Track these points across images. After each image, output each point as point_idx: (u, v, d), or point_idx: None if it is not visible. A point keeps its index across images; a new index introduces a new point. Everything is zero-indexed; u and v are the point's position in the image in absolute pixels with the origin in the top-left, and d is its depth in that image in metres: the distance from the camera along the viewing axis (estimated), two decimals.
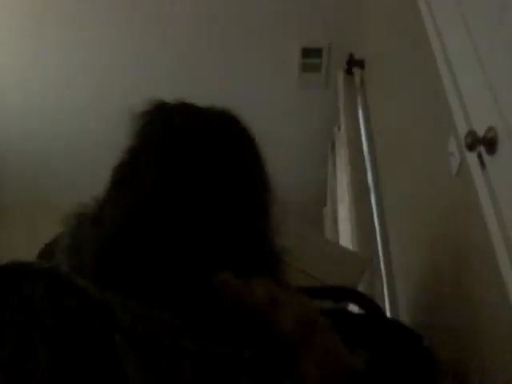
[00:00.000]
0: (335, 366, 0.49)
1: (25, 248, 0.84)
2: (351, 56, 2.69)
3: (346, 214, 2.38)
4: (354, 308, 1.23)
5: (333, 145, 3.19)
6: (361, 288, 1.41)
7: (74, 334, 0.37)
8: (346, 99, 2.61)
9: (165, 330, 0.44)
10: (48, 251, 0.69)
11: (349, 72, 2.72)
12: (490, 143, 0.95)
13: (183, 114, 0.72)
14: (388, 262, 1.85)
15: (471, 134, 0.99)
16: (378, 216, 2.04)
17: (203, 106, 0.75)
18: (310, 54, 2.94)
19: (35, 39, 2.92)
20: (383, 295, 1.78)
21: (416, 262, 1.50)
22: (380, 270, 1.87)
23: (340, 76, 2.74)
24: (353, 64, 2.68)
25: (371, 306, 1.18)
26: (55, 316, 0.37)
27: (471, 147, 0.99)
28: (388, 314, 1.65)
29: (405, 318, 1.55)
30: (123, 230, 0.56)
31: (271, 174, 0.76)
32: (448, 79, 1.21)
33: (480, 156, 1.00)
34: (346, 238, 2.37)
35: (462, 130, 1.08)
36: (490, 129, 0.95)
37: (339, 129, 2.85)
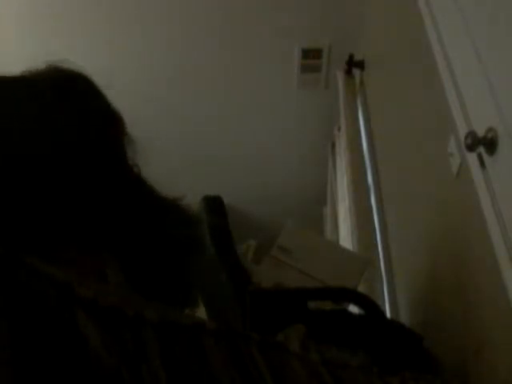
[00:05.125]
0: None
1: None
2: (351, 56, 2.69)
3: (346, 214, 2.38)
4: (354, 308, 1.23)
5: (333, 145, 3.19)
6: (361, 288, 1.41)
7: (31, 311, 0.36)
8: (346, 99, 2.61)
9: (126, 303, 0.44)
10: None
11: (349, 72, 2.72)
12: (490, 143, 0.95)
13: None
14: (388, 262, 1.85)
15: (471, 134, 0.99)
16: (378, 216, 2.04)
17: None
18: (310, 54, 2.94)
19: (34, 42, 2.92)
20: (383, 295, 1.78)
21: (416, 262, 1.50)
22: (380, 269, 1.87)
23: (340, 76, 2.74)
24: (353, 64, 2.68)
25: (371, 306, 1.18)
26: (10, 294, 0.36)
27: (471, 148, 0.99)
28: (388, 314, 1.65)
29: (405, 318, 1.55)
30: None
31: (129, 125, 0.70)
32: (448, 79, 1.21)
33: (480, 156, 1.00)
34: (346, 238, 2.37)
35: (462, 131, 1.08)
36: (490, 129, 0.95)
37: (339, 129, 2.85)
